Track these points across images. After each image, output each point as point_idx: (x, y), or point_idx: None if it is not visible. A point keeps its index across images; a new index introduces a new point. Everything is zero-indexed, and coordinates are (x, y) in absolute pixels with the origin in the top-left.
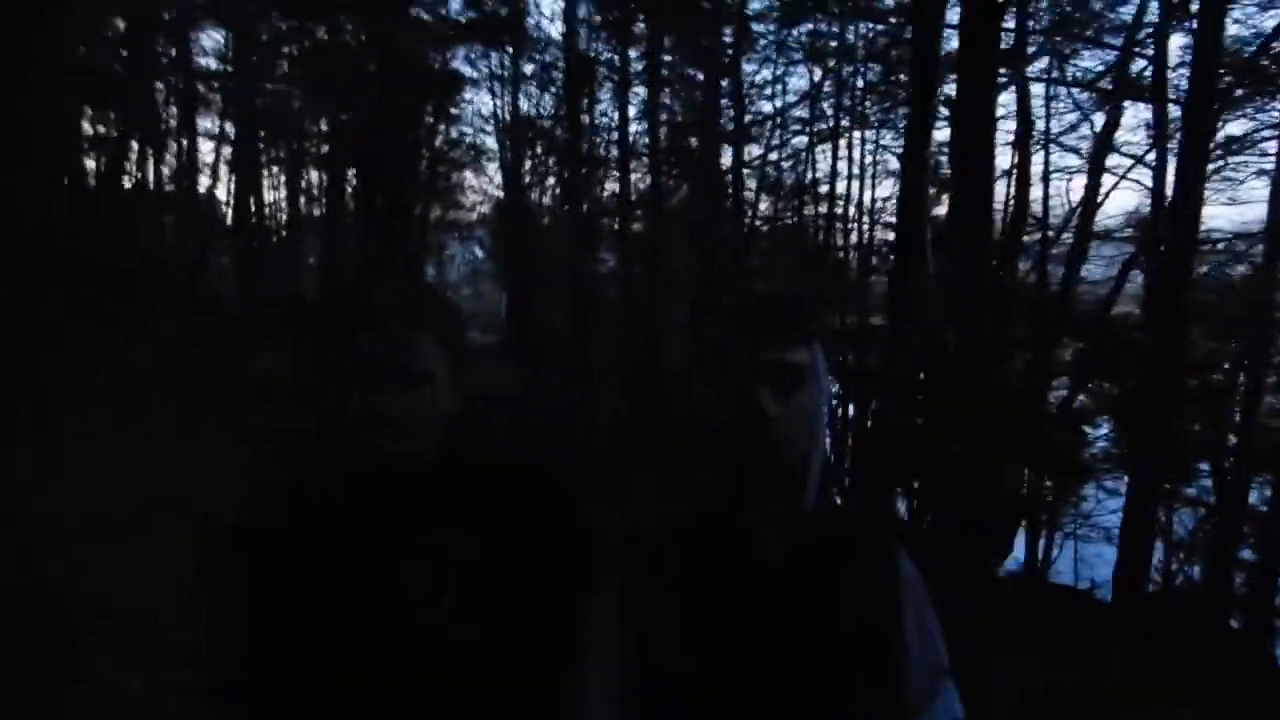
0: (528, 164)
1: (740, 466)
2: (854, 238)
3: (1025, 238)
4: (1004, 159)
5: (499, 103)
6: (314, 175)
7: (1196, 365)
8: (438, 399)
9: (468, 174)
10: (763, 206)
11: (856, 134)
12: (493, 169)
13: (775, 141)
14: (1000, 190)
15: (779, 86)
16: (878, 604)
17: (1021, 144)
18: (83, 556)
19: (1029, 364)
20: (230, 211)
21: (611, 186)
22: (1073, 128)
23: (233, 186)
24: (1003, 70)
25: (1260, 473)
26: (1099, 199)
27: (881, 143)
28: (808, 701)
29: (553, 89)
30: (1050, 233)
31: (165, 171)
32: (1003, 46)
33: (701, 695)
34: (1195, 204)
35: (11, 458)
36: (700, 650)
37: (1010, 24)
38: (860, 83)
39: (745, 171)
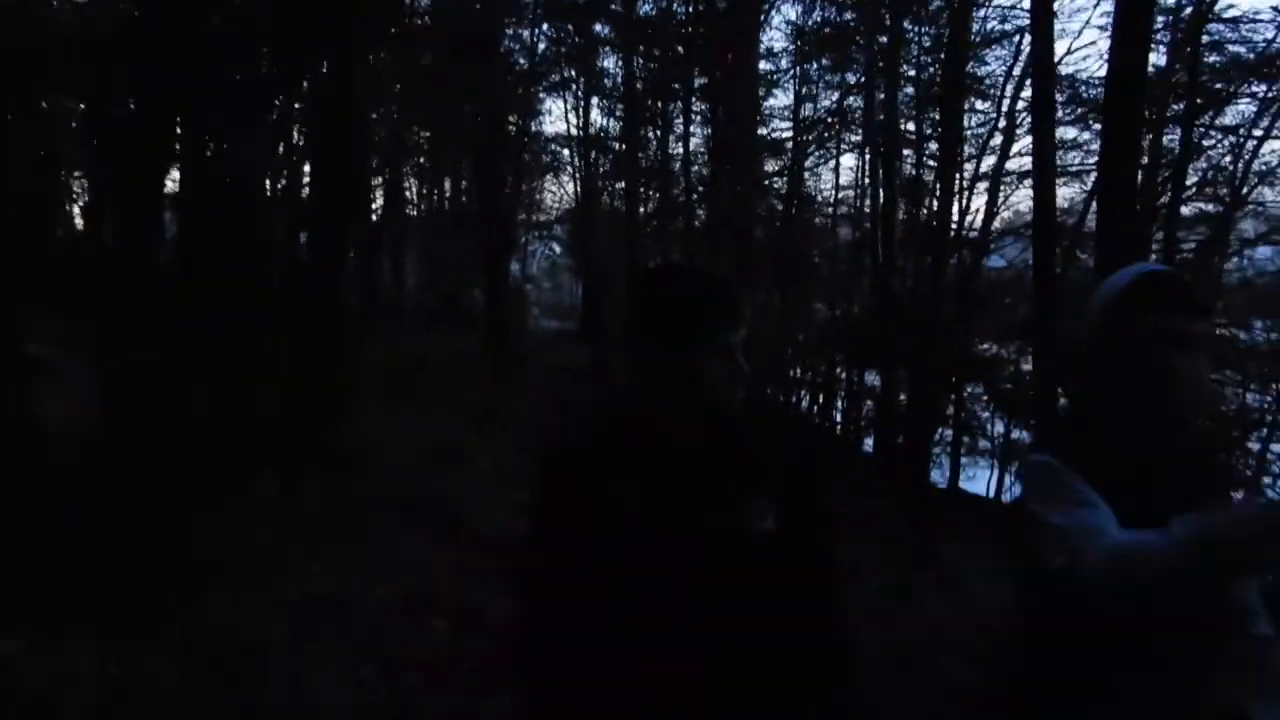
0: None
1: (1149, 412)
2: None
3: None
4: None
5: (575, 125)
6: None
7: None
8: (742, 367)
9: (549, 183)
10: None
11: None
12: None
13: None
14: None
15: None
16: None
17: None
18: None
19: None
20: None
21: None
22: None
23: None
24: None
25: None
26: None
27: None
28: None
29: (615, 118)
30: None
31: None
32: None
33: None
34: None
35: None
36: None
37: None
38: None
39: (767, 183)
